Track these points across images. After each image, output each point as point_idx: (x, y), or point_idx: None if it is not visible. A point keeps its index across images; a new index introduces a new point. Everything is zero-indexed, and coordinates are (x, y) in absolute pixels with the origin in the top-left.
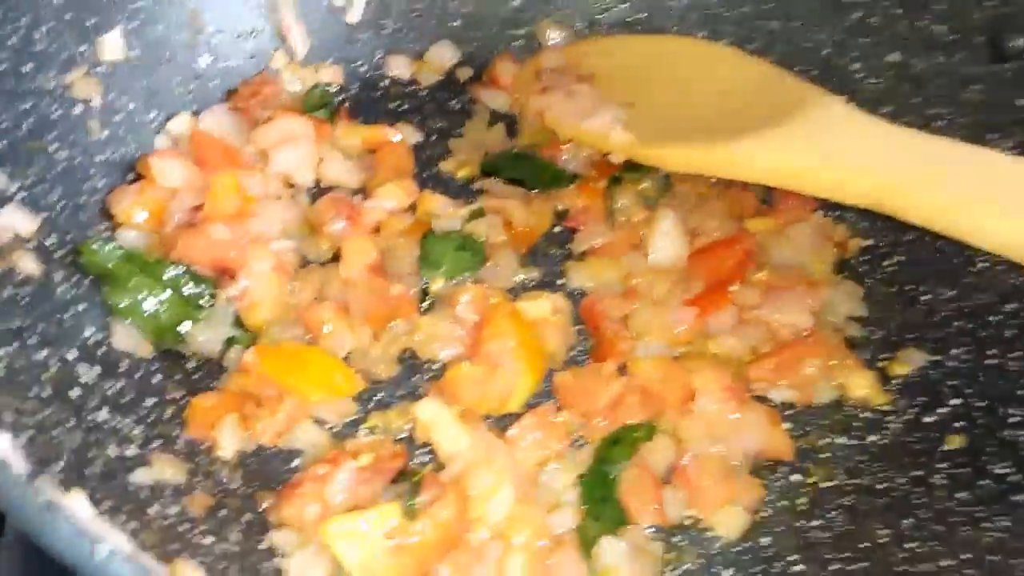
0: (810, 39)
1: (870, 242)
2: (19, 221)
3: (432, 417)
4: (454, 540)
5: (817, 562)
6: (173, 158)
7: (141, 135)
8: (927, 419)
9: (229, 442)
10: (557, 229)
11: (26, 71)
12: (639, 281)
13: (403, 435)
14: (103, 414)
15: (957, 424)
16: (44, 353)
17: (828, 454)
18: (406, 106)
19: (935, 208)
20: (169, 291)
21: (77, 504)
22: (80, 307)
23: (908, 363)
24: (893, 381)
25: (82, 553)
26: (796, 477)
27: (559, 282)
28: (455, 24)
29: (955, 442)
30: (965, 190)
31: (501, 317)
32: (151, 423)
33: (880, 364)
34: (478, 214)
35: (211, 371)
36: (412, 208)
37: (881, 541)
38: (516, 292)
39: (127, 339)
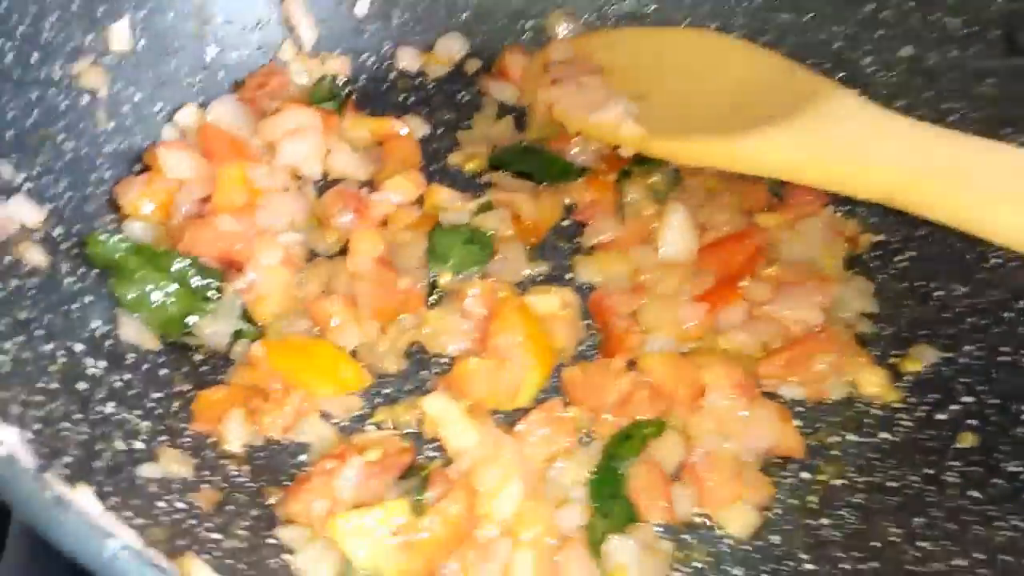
0: (822, 32)
1: (882, 237)
2: (26, 212)
3: (440, 412)
4: (462, 536)
5: (827, 561)
6: (180, 149)
7: (148, 126)
8: (939, 416)
9: (236, 436)
10: (566, 223)
11: (33, 61)
12: (648, 276)
13: (410, 430)
14: (110, 407)
15: (970, 422)
16: (51, 345)
17: (839, 451)
18: (414, 98)
19: (949, 203)
20: (176, 283)
21: (84, 499)
22: (87, 299)
23: (920, 360)
24: (905, 378)
25: (91, 549)
26: (806, 475)
27: (567, 276)
28: (464, 16)
29: (967, 440)
30: (979, 185)
31: (509, 311)
32: (158, 416)
33: (892, 361)
34: (486, 207)
35: (218, 364)
36: (420, 201)
37: (892, 540)
38: (524, 286)
39: (134, 332)
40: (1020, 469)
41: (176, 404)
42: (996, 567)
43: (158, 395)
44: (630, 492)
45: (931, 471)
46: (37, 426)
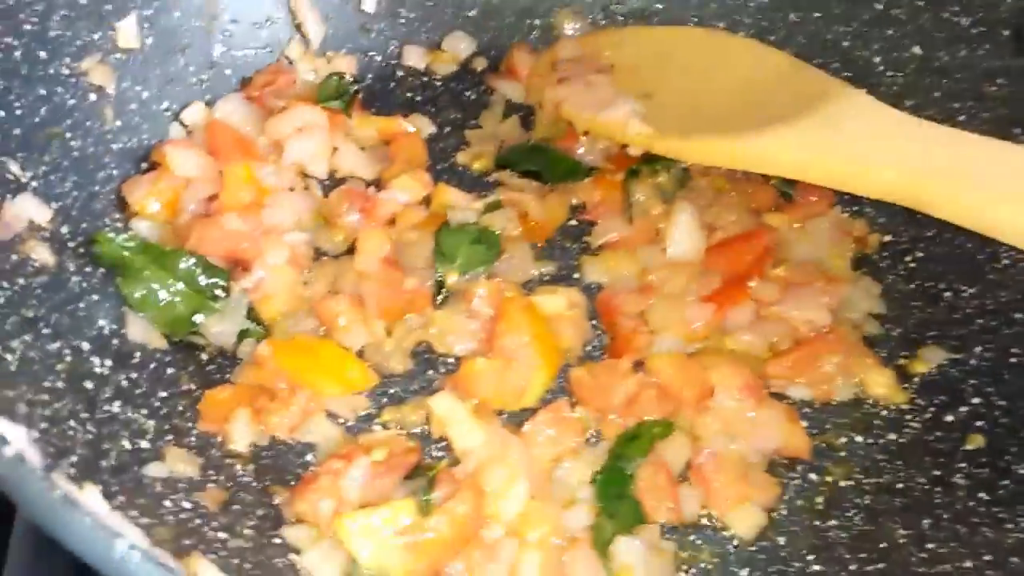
0: (831, 31)
1: (890, 238)
2: (33, 210)
3: (447, 412)
4: (468, 537)
5: (834, 562)
6: (187, 148)
7: (155, 124)
8: (947, 418)
9: (242, 435)
10: (573, 222)
11: (41, 58)
12: (656, 276)
13: (417, 430)
14: (116, 406)
15: (978, 423)
16: (57, 344)
17: (846, 453)
18: (420, 97)
19: (958, 203)
20: (183, 282)
21: (92, 499)
22: (93, 298)
23: (928, 361)
24: (913, 379)
25: (100, 549)
26: (813, 476)
27: (574, 276)
28: (471, 14)
29: (976, 441)
30: (989, 184)
31: (516, 311)
32: (164, 415)
33: (900, 362)
34: (494, 207)
35: (224, 364)
36: (427, 200)
37: (900, 542)
38: (531, 286)
39: (141, 331)
40: None
41: (182, 403)
42: (1005, 569)
43: (164, 394)
44: (637, 493)
45: (939, 473)
46: (43, 425)
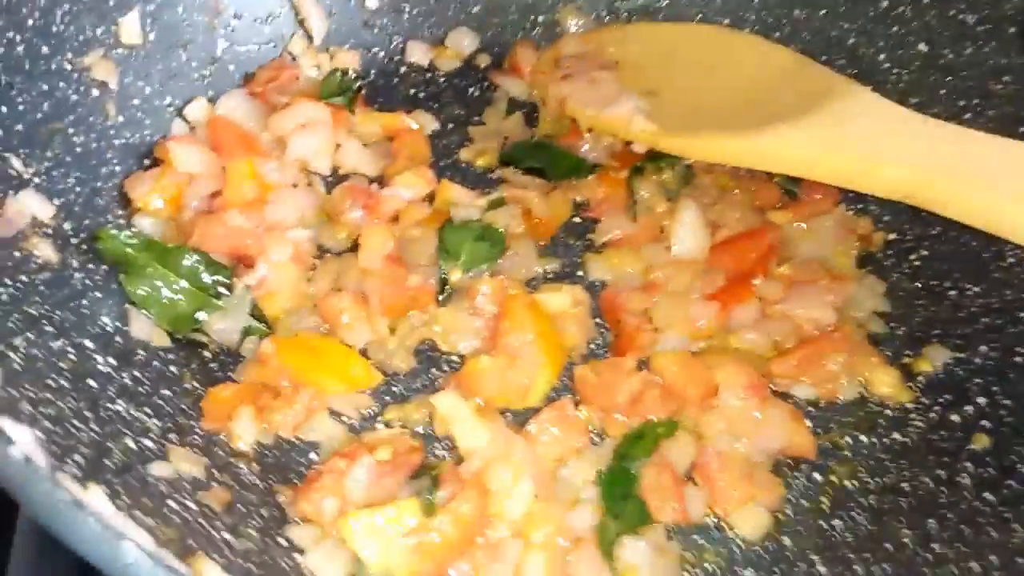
0: (836, 28)
1: (895, 236)
2: (36, 206)
3: (450, 410)
4: (473, 537)
5: (839, 563)
6: (191, 144)
7: (158, 120)
8: (953, 418)
9: (246, 433)
10: (577, 220)
11: (44, 52)
12: (660, 273)
13: (420, 429)
14: (120, 405)
15: (984, 423)
16: (60, 342)
17: (850, 452)
18: (424, 93)
19: (964, 200)
20: (186, 279)
21: (96, 500)
22: (97, 295)
23: (933, 360)
24: (918, 378)
25: (107, 551)
26: (818, 476)
27: (578, 274)
28: (474, 10)
29: (981, 441)
30: (995, 182)
31: (520, 309)
32: (168, 414)
33: (905, 361)
34: (498, 204)
35: (228, 361)
36: (430, 197)
37: (905, 542)
38: (535, 283)
39: (144, 328)
40: None
41: (186, 402)
42: (1011, 570)
43: (168, 393)
44: (642, 493)
45: (944, 473)
46: (48, 425)
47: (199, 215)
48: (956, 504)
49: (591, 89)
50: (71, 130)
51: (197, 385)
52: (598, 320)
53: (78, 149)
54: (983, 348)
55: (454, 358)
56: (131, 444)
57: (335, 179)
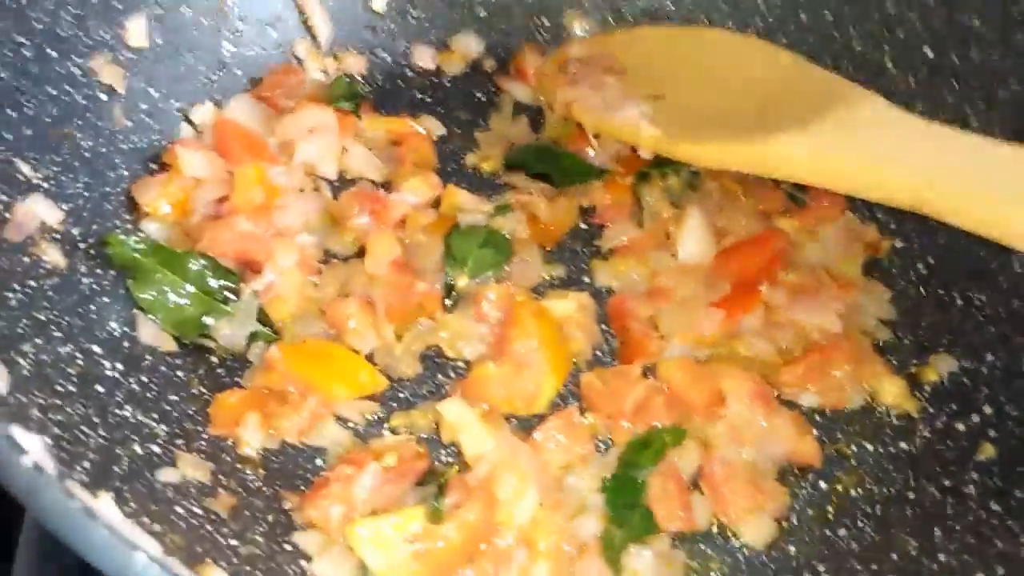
0: (842, 33)
1: (902, 243)
2: (44, 211)
3: (457, 417)
4: (478, 544)
5: (844, 572)
6: (198, 149)
7: (165, 124)
8: (959, 427)
9: (253, 439)
10: (583, 226)
11: (51, 56)
12: (666, 280)
13: (426, 435)
14: (127, 410)
15: (991, 433)
16: (68, 347)
17: (856, 461)
18: (430, 98)
19: (971, 208)
20: (193, 284)
21: (105, 507)
22: (104, 300)
23: (940, 369)
24: (924, 387)
25: (118, 560)
26: (823, 484)
27: (584, 280)
28: (480, 14)
29: (988, 451)
30: (1003, 190)
31: (526, 315)
32: (175, 419)
33: (911, 370)
34: (503, 209)
35: (234, 367)
36: (436, 202)
37: (910, 552)
38: (541, 290)
39: (151, 333)
40: None
41: (193, 408)
42: None
43: (175, 398)
44: (648, 501)
45: (950, 483)
46: (56, 431)
47: (206, 220)
48: (962, 514)
49: (597, 94)
50: (79, 134)
51: (204, 390)
52: (604, 327)
53: (86, 153)
54: (990, 357)
55: (460, 364)
56: (138, 450)
57: (340, 184)
